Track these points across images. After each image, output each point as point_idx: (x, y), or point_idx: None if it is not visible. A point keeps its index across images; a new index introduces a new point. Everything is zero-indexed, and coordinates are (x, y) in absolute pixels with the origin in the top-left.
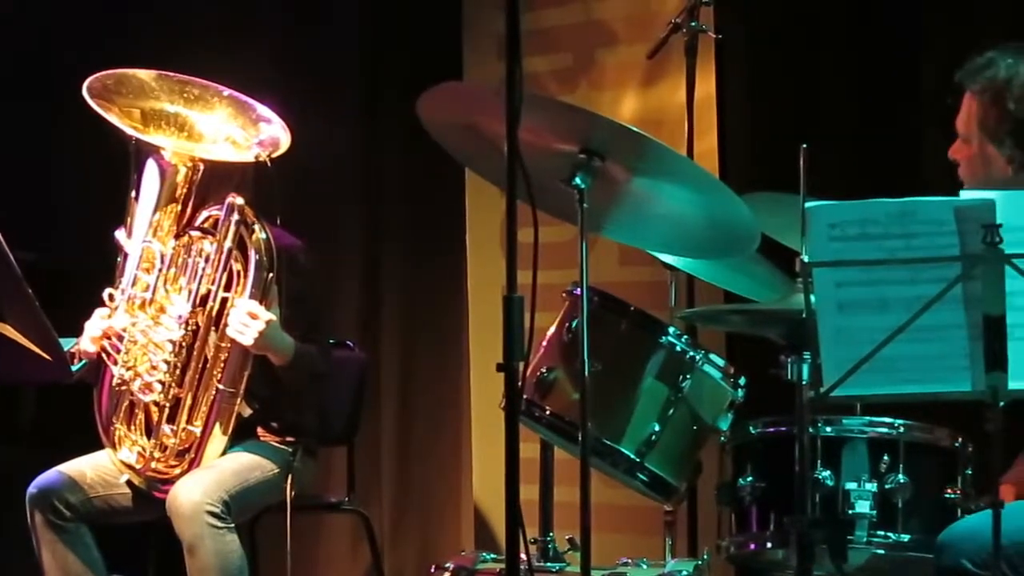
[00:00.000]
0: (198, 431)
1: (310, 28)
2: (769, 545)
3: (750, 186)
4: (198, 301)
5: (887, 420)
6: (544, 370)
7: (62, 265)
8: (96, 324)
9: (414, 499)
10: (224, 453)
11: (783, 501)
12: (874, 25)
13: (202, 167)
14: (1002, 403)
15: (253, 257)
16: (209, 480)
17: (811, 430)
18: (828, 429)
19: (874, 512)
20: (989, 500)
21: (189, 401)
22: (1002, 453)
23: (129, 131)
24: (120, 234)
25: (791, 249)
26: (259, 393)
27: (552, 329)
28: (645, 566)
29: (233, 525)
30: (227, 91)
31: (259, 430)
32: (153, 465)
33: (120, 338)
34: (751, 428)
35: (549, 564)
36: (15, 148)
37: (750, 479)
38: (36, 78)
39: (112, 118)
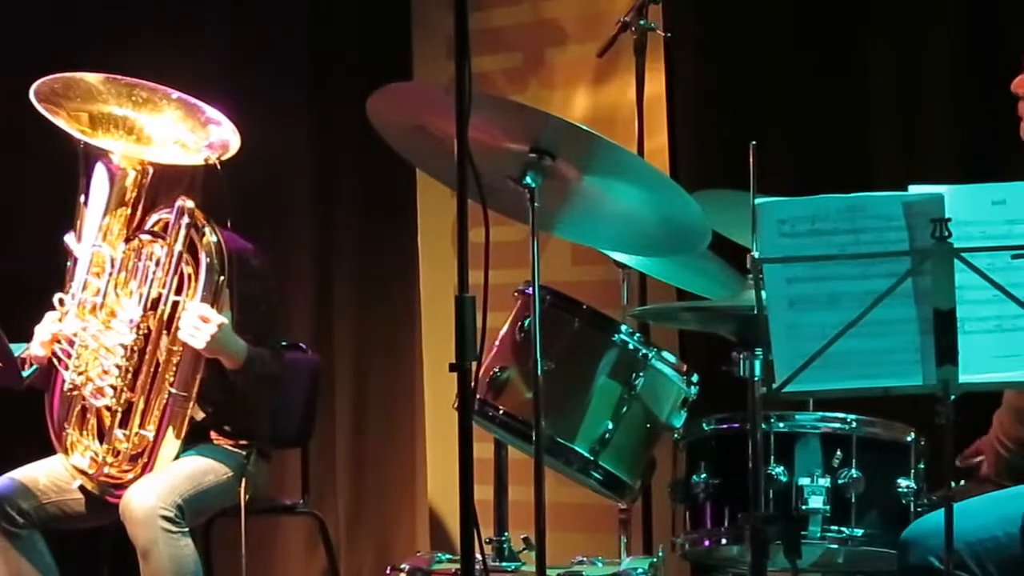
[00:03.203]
0: (151, 435)
1: (259, 29)
2: (723, 542)
3: (700, 183)
4: (149, 305)
5: (839, 415)
6: (497, 370)
7: (11, 270)
8: (46, 329)
9: (369, 500)
10: (177, 457)
11: (737, 497)
12: (821, 21)
13: (151, 170)
14: (953, 397)
15: (204, 260)
16: (162, 484)
17: (764, 426)
18: (781, 425)
19: (827, 507)
20: (942, 494)
21: (141, 405)
22: (954, 447)
23: (77, 135)
24: (70, 238)
25: (742, 246)
26: (212, 397)
27: (504, 329)
28: (600, 564)
29: (187, 529)
30: (176, 94)
31: (212, 434)
32: (106, 470)
33: (71, 343)
34: (704, 425)
35: (504, 564)
36: None
37: (704, 476)
38: None
39: (60, 122)
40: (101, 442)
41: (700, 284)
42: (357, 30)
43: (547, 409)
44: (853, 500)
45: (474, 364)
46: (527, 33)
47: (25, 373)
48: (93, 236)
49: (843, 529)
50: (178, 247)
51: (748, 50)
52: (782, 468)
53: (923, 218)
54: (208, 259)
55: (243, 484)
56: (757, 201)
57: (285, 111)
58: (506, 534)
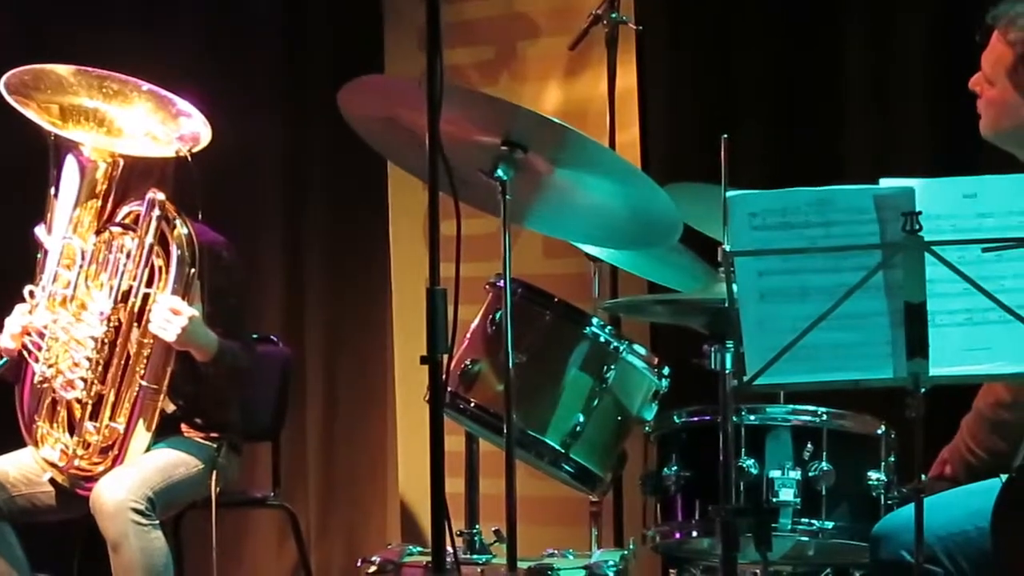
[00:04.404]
0: (121, 428)
1: (231, 21)
2: (694, 534)
3: (672, 176)
4: (120, 297)
5: (810, 408)
6: (468, 362)
7: None
8: (16, 321)
9: (340, 493)
10: (148, 450)
11: (708, 490)
12: (794, 15)
13: (122, 162)
14: (923, 389)
15: (175, 252)
16: (133, 477)
17: (735, 419)
18: (752, 418)
19: (798, 500)
20: (913, 487)
21: (112, 398)
22: (924, 439)
23: (48, 127)
24: (40, 230)
25: (713, 239)
26: (182, 389)
27: (476, 321)
28: (571, 557)
29: (158, 522)
30: (146, 86)
31: (183, 426)
32: (76, 463)
33: (41, 335)
34: (675, 418)
35: (475, 556)
36: None
37: (675, 468)
38: None
39: (30, 114)
40: (71, 435)
41: (671, 277)
42: (329, 22)
43: (518, 402)
44: (824, 493)
45: (445, 357)
46: (499, 26)
47: None
48: (63, 228)
49: (813, 522)
50: (149, 239)
51: (720, 43)
52: (753, 461)
53: (894, 211)
54: (179, 251)
55: (214, 477)
56: (728, 194)
57: (256, 103)
58: (477, 527)
